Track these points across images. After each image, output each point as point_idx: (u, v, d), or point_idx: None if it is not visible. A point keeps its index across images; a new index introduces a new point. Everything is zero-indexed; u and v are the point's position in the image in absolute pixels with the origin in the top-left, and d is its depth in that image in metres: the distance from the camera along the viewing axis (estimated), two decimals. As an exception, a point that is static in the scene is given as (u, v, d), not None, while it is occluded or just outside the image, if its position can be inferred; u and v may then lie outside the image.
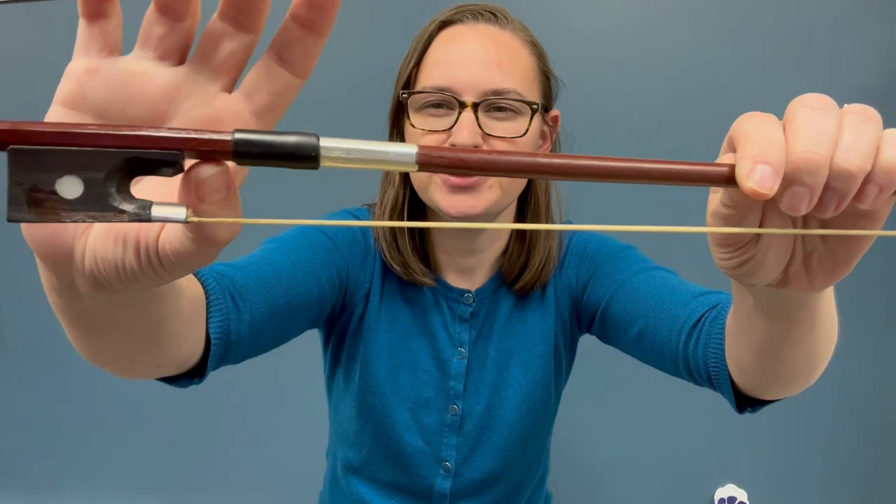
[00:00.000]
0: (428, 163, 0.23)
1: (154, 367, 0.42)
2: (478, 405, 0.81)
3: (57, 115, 0.26)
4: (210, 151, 0.23)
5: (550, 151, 0.80)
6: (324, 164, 0.23)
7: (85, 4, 0.25)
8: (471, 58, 0.68)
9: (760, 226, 0.32)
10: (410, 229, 0.78)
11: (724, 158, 0.29)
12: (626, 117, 1.48)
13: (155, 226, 0.25)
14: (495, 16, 0.72)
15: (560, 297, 0.82)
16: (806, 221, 0.33)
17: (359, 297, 0.79)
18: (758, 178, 0.26)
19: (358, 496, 0.86)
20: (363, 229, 0.80)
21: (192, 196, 0.24)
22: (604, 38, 1.47)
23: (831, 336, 0.46)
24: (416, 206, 0.78)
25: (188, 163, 0.24)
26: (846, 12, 1.39)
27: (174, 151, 0.23)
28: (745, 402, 0.57)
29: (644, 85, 1.47)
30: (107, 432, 1.79)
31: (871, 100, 1.41)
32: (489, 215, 0.72)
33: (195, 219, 0.23)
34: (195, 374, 0.51)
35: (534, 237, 0.80)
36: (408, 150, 0.23)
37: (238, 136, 0.23)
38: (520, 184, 0.75)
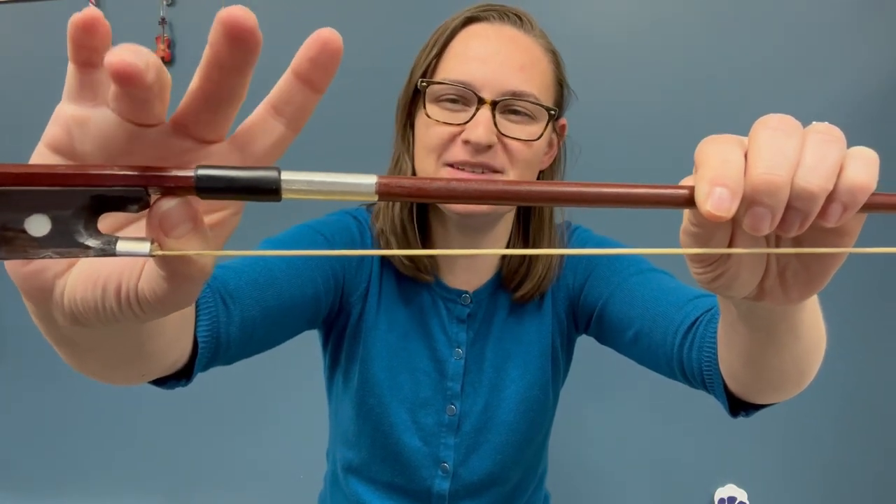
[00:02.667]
0: (387, 192, 0.23)
1: (138, 376, 0.43)
2: (475, 406, 0.82)
3: (44, 157, 0.25)
4: (174, 188, 0.23)
5: (556, 160, 0.81)
6: (286, 196, 0.24)
7: (76, 52, 0.23)
8: (493, 57, 0.68)
9: (731, 242, 0.32)
10: (419, 227, 0.78)
11: (688, 180, 0.29)
12: (629, 122, 1.48)
13: (136, 269, 0.26)
14: (521, 20, 0.72)
15: (557, 298, 0.82)
16: (778, 239, 0.34)
17: (356, 297, 0.79)
18: (715, 200, 0.26)
19: (357, 497, 0.87)
20: (360, 230, 0.81)
21: (158, 230, 0.24)
22: (607, 42, 1.47)
23: (818, 343, 0.46)
24: (419, 206, 0.79)
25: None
26: (847, 13, 1.38)
27: (138, 188, 0.23)
28: (738, 407, 0.57)
29: (648, 86, 1.47)
30: (107, 432, 1.81)
31: (871, 100, 1.40)
32: (493, 215, 0.73)
33: (159, 252, 0.24)
34: (182, 375, 0.51)
35: (536, 237, 0.80)
36: (367, 180, 0.24)
37: (201, 171, 0.23)
38: None
